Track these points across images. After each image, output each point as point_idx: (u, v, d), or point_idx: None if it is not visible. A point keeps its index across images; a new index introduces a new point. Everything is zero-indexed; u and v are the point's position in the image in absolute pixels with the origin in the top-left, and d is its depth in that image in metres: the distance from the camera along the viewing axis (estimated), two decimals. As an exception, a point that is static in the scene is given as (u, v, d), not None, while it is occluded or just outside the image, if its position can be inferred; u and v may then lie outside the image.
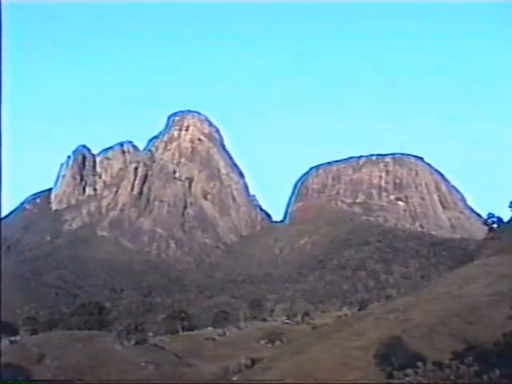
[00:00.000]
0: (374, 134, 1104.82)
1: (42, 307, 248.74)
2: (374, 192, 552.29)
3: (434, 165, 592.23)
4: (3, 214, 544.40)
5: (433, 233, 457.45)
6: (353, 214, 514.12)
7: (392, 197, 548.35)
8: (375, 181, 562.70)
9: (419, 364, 32.55)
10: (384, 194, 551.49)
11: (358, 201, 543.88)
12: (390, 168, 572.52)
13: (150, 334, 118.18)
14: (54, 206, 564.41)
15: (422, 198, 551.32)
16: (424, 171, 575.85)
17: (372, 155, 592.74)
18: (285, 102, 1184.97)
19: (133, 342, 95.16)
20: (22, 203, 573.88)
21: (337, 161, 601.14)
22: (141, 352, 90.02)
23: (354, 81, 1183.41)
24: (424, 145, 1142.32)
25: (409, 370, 32.62)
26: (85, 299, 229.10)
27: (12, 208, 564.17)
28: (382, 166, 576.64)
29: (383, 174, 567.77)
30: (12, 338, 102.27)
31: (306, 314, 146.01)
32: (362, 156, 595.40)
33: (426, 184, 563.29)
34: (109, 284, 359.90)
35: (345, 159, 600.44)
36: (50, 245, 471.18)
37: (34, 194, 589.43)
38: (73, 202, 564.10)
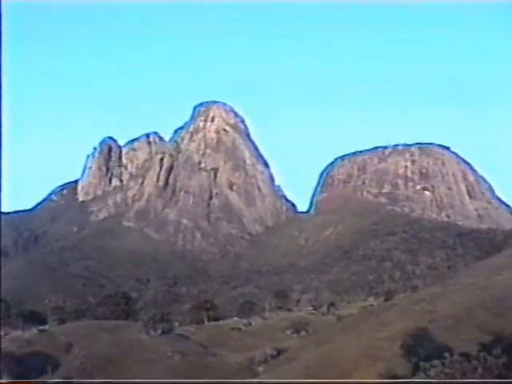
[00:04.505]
0: (399, 123, 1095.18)
1: (70, 297, 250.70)
2: (400, 182, 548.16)
3: (461, 154, 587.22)
4: (31, 206, 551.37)
5: (459, 223, 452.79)
6: (378, 204, 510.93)
7: (418, 187, 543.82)
8: (401, 171, 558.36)
9: (446, 355, 32.31)
10: (410, 184, 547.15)
11: (383, 191, 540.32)
12: (416, 158, 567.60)
13: (176, 324, 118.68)
14: (80, 197, 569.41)
15: (449, 188, 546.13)
16: (451, 161, 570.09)
17: (398, 145, 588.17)
18: (310, 91, 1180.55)
19: (159, 331, 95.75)
20: (49, 194, 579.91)
21: (362, 151, 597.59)
22: (167, 342, 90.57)
23: (379, 70, 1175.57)
24: (451, 134, 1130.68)
25: (436, 361, 32.40)
26: (111, 289, 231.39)
27: (39, 199, 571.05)
28: (408, 155, 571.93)
29: (409, 164, 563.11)
30: (41, 327, 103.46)
31: (332, 304, 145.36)
32: (387, 146, 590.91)
33: (452, 174, 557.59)
34: (135, 274, 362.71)
35: (370, 149, 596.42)
36: (76, 236, 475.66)
37: (61, 186, 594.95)
38: (99, 193, 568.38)
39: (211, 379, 70.49)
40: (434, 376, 30.99)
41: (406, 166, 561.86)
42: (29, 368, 78.20)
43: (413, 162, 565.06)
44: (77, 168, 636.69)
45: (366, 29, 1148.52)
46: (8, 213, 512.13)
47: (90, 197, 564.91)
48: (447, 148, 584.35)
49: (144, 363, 79.73)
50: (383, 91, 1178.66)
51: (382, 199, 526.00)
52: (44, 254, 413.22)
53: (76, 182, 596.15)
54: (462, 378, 29.85)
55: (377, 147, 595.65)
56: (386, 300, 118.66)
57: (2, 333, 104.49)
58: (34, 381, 69.36)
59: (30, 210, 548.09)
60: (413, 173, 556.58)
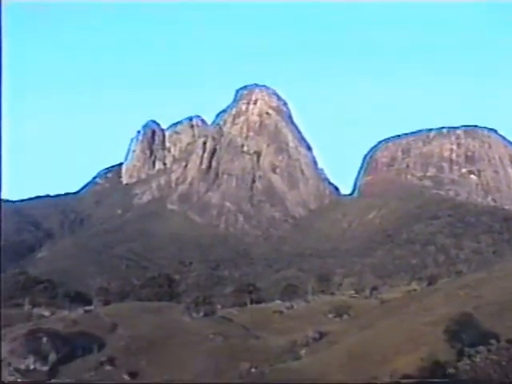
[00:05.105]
0: (445, 105, 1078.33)
1: (114, 279, 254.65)
2: (445, 165, 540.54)
3: (508, 137, 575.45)
4: (77, 188, 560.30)
5: (506, 207, 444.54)
6: (423, 187, 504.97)
7: (464, 170, 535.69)
8: (446, 154, 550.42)
9: (492, 341, 31.75)
10: (455, 167, 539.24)
11: (428, 174, 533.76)
12: (462, 141, 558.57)
13: (219, 307, 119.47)
14: (124, 180, 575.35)
15: (495, 172, 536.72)
16: (497, 144, 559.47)
17: (443, 128, 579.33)
18: (353, 74, 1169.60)
19: (201, 313, 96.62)
20: (94, 177, 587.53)
21: (406, 134, 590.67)
22: (209, 324, 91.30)
23: (423, 52, 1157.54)
24: (497, 116, 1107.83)
25: (481, 347, 31.87)
26: (154, 272, 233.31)
27: (84, 182, 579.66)
28: (453, 138, 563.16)
29: (454, 147, 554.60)
30: (86, 308, 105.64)
31: (374, 288, 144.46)
32: (432, 129, 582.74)
33: (499, 157, 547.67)
34: (178, 257, 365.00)
35: (414, 132, 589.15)
36: (120, 218, 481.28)
37: (106, 169, 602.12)
38: (143, 176, 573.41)
39: (253, 361, 70.78)
40: (479, 362, 30.51)
41: (451, 149, 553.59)
42: (75, 347, 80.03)
43: (458, 145, 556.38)
44: (121, 151, 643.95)
45: (407, 11, 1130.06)
46: (55, 196, 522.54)
47: (134, 180, 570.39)
48: (494, 130, 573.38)
49: (186, 345, 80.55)
50: (428, 73, 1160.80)
51: (427, 182, 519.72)
52: (89, 236, 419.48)
53: (120, 165, 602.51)
54: (508, 365, 29.32)
55: (421, 130, 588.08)
56: (430, 285, 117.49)
57: (49, 313, 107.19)
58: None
59: (75, 192, 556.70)
60: (458, 156, 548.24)
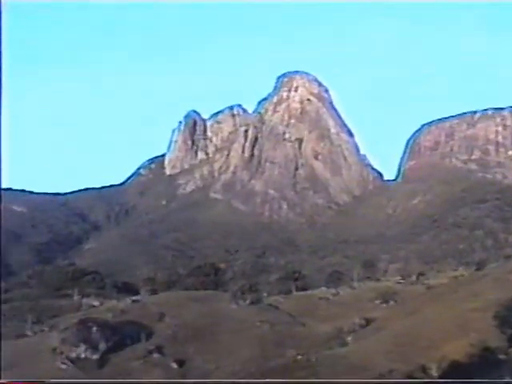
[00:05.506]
0: (490, 85, 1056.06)
1: (160, 268, 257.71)
2: (491, 148, 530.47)
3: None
4: (120, 181, 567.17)
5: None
6: (468, 171, 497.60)
7: (510, 152, 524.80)
8: (491, 136, 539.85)
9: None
10: (501, 149, 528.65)
11: (473, 157, 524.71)
12: (508, 122, 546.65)
13: (264, 294, 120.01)
14: (167, 171, 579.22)
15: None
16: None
17: (488, 109, 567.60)
18: (393, 57, 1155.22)
19: (247, 301, 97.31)
20: (138, 169, 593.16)
21: (450, 117, 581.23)
22: (256, 311, 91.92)
23: (468, 34, 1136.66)
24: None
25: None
26: (200, 261, 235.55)
27: (128, 174, 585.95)
28: (499, 120, 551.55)
29: (500, 129, 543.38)
30: (134, 298, 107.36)
31: (421, 274, 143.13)
32: (476, 111, 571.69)
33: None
34: (223, 245, 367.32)
35: (458, 115, 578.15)
36: (165, 209, 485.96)
37: (149, 160, 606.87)
38: (186, 166, 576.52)
39: (299, 348, 71.05)
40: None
41: (496, 131, 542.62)
42: (124, 336, 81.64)
43: (504, 126, 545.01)
44: (164, 142, 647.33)
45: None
46: (100, 188, 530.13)
47: (177, 170, 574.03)
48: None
49: (233, 333, 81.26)
50: (472, 52, 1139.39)
51: (472, 166, 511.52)
52: (134, 227, 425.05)
53: (163, 156, 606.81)
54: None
55: (465, 113, 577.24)
56: (478, 270, 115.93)
57: (98, 303, 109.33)
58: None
59: (120, 184, 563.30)
60: (504, 138, 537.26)
